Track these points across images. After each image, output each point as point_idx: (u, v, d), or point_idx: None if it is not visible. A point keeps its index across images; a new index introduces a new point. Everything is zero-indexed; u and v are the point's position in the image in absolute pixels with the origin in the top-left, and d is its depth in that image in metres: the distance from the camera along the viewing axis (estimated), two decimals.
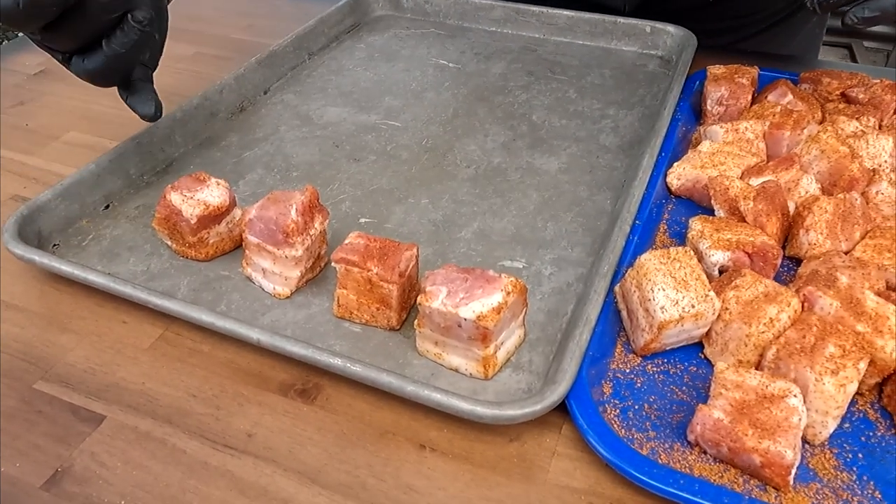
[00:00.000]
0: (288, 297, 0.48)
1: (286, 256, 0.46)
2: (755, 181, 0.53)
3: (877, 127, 0.58)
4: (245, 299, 0.48)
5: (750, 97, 0.63)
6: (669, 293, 0.41)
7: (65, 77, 0.77)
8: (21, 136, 0.68)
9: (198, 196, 0.49)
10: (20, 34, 0.82)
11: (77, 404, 0.42)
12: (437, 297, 0.40)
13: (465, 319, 0.39)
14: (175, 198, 0.48)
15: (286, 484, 0.38)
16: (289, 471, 0.38)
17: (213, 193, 0.49)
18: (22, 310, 0.48)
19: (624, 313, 0.45)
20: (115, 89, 0.53)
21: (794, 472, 0.36)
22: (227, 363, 0.44)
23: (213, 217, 0.49)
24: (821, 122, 0.60)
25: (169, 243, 0.52)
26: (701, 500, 0.35)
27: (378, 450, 0.40)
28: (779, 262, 0.47)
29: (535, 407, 0.37)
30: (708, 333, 0.43)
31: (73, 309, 0.48)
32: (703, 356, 0.44)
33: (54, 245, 0.53)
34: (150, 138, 0.61)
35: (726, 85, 0.63)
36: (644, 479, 0.36)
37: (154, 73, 0.55)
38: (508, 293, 0.40)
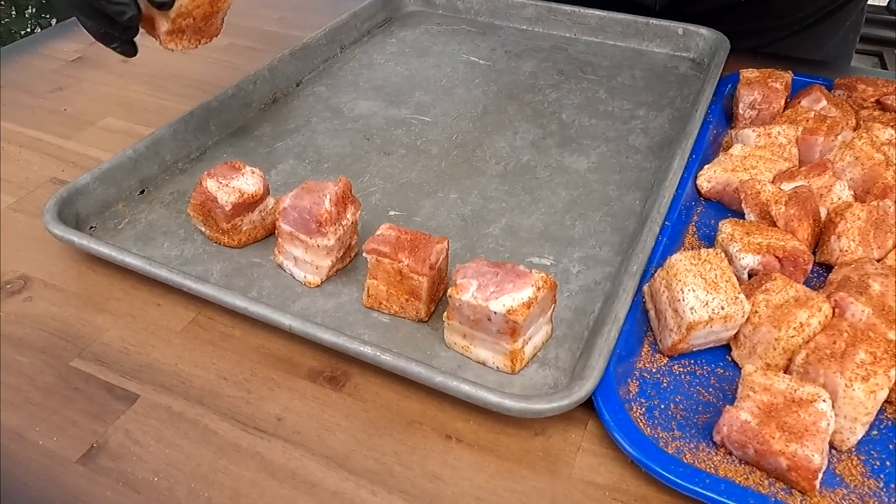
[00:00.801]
0: (318, 286, 0.49)
1: (318, 245, 0.47)
2: (787, 186, 0.53)
3: None
4: (276, 286, 0.49)
5: (783, 102, 0.62)
6: (699, 294, 0.41)
7: (101, 64, 0.79)
8: (59, 121, 0.69)
9: (233, 184, 0.49)
10: (54, 22, 0.83)
11: (112, 383, 0.43)
12: (468, 290, 0.40)
13: (495, 313, 0.39)
14: (211, 185, 0.49)
15: (314, 468, 0.38)
16: (317, 455, 0.39)
17: (248, 181, 0.50)
18: (60, 289, 0.50)
19: (652, 313, 0.45)
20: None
21: (820, 476, 0.36)
22: (258, 348, 0.45)
23: (248, 205, 0.50)
24: (855, 129, 0.59)
25: (203, 229, 0.52)
26: (726, 501, 0.35)
27: (405, 438, 0.40)
28: (809, 267, 0.47)
29: (563, 402, 0.38)
30: (736, 336, 0.43)
31: (108, 290, 0.49)
32: (730, 358, 0.44)
33: (91, 227, 0.54)
34: (185, 126, 0.62)
35: (759, 89, 0.62)
36: (670, 477, 0.36)
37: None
38: (539, 288, 0.40)
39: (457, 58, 0.79)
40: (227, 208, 0.49)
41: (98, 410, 0.41)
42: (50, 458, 0.39)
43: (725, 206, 0.56)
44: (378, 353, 0.41)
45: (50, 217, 0.50)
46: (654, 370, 0.43)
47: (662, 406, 0.41)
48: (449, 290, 0.41)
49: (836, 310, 0.42)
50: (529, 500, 0.37)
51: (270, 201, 0.52)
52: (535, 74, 0.75)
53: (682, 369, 0.43)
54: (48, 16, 2.23)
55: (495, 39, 0.82)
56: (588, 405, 0.40)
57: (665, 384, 0.42)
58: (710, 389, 0.42)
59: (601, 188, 0.59)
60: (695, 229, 0.54)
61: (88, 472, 0.38)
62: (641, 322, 0.45)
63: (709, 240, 0.53)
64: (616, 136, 0.65)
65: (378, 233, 0.46)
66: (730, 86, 0.68)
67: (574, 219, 0.55)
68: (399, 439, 0.40)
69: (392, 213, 0.56)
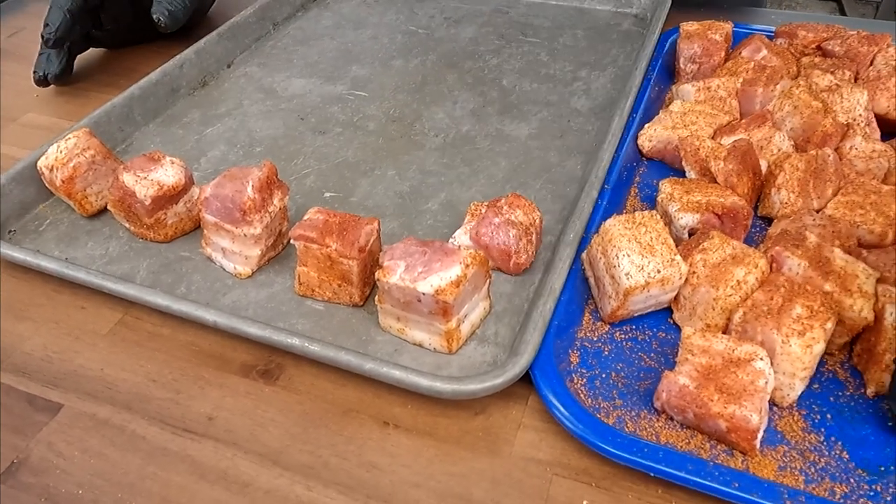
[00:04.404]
0: (249, 277, 0.47)
1: (245, 235, 0.45)
2: (727, 140, 0.52)
3: (852, 80, 0.57)
4: (206, 280, 0.47)
5: (724, 54, 0.61)
6: (635, 259, 0.40)
7: (22, 57, 0.76)
8: None
9: (151, 176, 0.47)
10: None
11: (34, 393, 0.41)
12: (395, 272, 0.39)
13: (424, 294, 0.38)
14: (128, 178, 0.47)
15: (247, 467, 0.37)
16: (250, 453, 0.38)
17: (168, 173, 0.48)
18: None
19: (591, 280, 0.44)
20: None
21: (760, 435, 0.35)
22: (188, 346, 0.44)
23: (169, 197, 0.48)
24: (795, 78, 0.58)
25: (127, 225, 0.50)
26: (665, 468, 0.34)
27: (341, 428, 0.39)
28: (749, 222, 0.46)
29: (496, 381, 0.37)
30: (676, 298, 0.43)
31: (29, 296, 0.47)
32: (671, 321, 0.43)
33: (10, 231, 0.51)
34: (108, 118, 0.59)
35: (699, 42, 0.61)
36: (608, 448, 0.35)
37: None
38: (468, 266, 0.39)
39: (395, 28, 0.76)
40: (146, 203, 0.47)
41: (19, 424, 0.39)
42: None
43: (668, 165, 0.55)
44: (306, 344, 0.39)
45: None
46: (595, 339, 0.42)
47: (604, 375, 0.40)
48: (376, 274, 0.40)
49: (774, 265, 0.41)
50: (468, 482, 0.36)
51: (195, 191, 0.50)
52: (475, 40, 0.73)
53: (623, 336, 0.43)
54: None
55: (434, 6, 0.80)
56: (528, 380, 0.39)
57: (606, 352, 0.42)
58: (652, 354, 0.41)
59: (542, 155, 0.57)
60: (637, 191, 0.53)
61: (9, 489, 0.36)
62: (582, 290, 0.44)
63: (651, 200, 0.52)
64: (558, 99, 0.64)
65: (305, 217, 0.44)
66: (671, 40, 0.66)
67: (514, 188, 0.54)
68: (335, 430, 0.39)
69: (327, 194, 0.54)
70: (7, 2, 0.87)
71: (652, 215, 0.42)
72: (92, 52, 0.75)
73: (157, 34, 0.75)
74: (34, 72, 0.67)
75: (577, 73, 0.67)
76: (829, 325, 0.37)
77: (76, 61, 0.70)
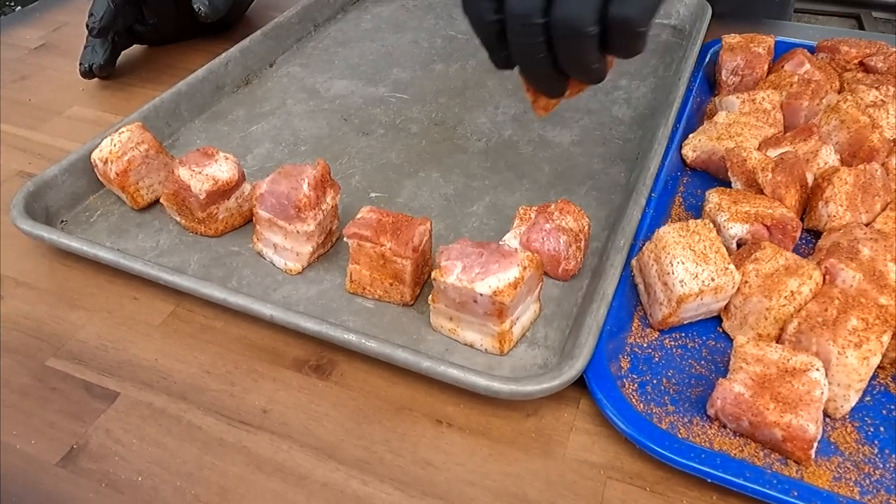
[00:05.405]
0: (299, 273, 0.47)
1: (298, 231, 0.46)
2: (773, 153, 0.52)
3: None
4: (256, 275, 0.48)
5: (766, 67, 0.61)
6: (689, 266, 0.41)
7: (66, 51, 0.77)
8: (24, 112, 0.67)
9: (206, 171, 0.48)
10: (18, 7, 0.82)
11: (90, 381, 0.42)
12: (453, 273, 0.39)
13: (481, 295, 0.38)
14: (183, 173, 0.48)
15: (303, 460, 0.38)
16: (305, 447, 0.38)
17: (222, 168, 0.48)
18: (31, 287, 0.48)
19: (641, 287, 0.45)
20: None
21: (815, 445, 0.35)
22: (241, 339, 0.44)
23: (223, 192, 0.48)
24: (839, 92, 0.59)
25: (178, 219, 0.51)
26: (723, 475, 0.34)
27: (395, 425, 0.39)
28: (798, 234, 0.46)
29: (553, 382, 0.37)
30: (727, 307, 0.43)
31: (82, 286, 0.48)
32: (721, 330, 0.43)
33: (62, 221, 0.52)
34: (156, 112, 0.60)
35: (742, 54, 0.61)
36: (665, 453, 0.35)
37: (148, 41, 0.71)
38: (525, 268, 0.39)
39: (434, 32, 0.77)
40: (201, 197, 0.47)
41: (77, 410, 0.40)
42: (29, 461, 0.38)
43: (711, 175, 0.55)
44: (363, 340, 0.40)
45: (17, 212, 0.48)
46: (645, 345, 0.43)
47: (655, 381, 0.40)
48: (433, 273, 0.40)
49: (827, 277, 0.42)
50: (522, 482, 0.36)
51: (247, 187, 0.51)
52: None
53: (673, 343, 0.43)
54: (12, 3, 2.16)
55: None
56: (580, 384, 0.39)
57: (657, 359, 0.42)
58: (702, 362, 0.42)
59: (585, 161, 0.58)
60: (681, 200, 0.53)
61: (69, 474, 0.37)
62: (630, 297, 0.45)
63: (696, 210, 0.52)
64: (599, 107, 0.64)
65: (359, 216, 0.45)
66: (712, 52, 0.67)
67: (559, 194, 0.54)
68: (389, 426, 0.39)
69: (373, 194, 0.55)
70: None
71: (705, 224, 0.43)
72: (134, 49, 0.75)
73: (199, 31, 0.76)
74: (80, 64, 0.68)
75: (617, 82, 0.68)
76: (886, 338, 0.37)
77: (119, 58, 0.71)
